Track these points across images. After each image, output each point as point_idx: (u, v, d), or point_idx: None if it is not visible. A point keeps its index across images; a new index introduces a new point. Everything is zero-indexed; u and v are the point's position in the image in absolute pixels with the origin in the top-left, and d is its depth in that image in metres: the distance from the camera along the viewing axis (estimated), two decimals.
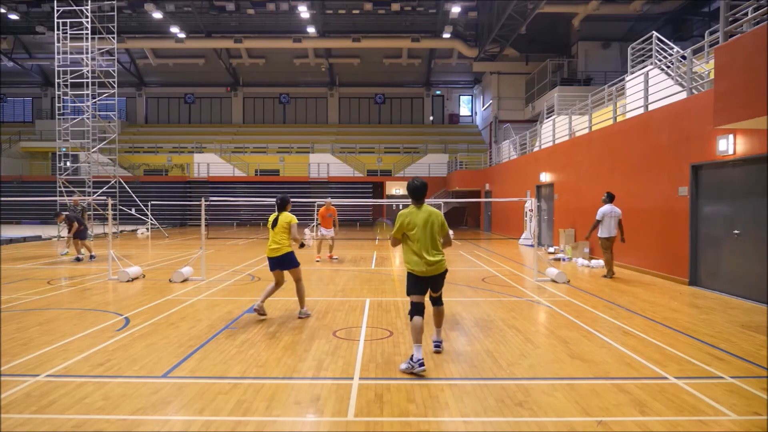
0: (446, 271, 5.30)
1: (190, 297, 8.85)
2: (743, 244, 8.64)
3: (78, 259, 13.95)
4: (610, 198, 11.11)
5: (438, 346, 5.67)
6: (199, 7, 32.70)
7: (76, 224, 14.17)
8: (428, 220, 5.15)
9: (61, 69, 22.43)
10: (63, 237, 16.62)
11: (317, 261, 13.99)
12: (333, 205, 14.44)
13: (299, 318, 7.26)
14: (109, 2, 23.28)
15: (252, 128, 43.65)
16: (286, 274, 7.39)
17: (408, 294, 5.26)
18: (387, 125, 44.21)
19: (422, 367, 4.95)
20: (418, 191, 5.22)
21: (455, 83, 43.86)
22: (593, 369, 5.13)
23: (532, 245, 17.25)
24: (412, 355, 5.05)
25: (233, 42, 34.84)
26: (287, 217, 7.16)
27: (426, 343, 5.83)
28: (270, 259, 7.23)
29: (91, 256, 14.17)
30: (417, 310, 5.17)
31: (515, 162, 23.22)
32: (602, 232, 10.99)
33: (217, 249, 17.58)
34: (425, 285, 5.21)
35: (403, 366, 5.09)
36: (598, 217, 11.06)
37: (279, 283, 7.39)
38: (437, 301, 5.53)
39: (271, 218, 7.24)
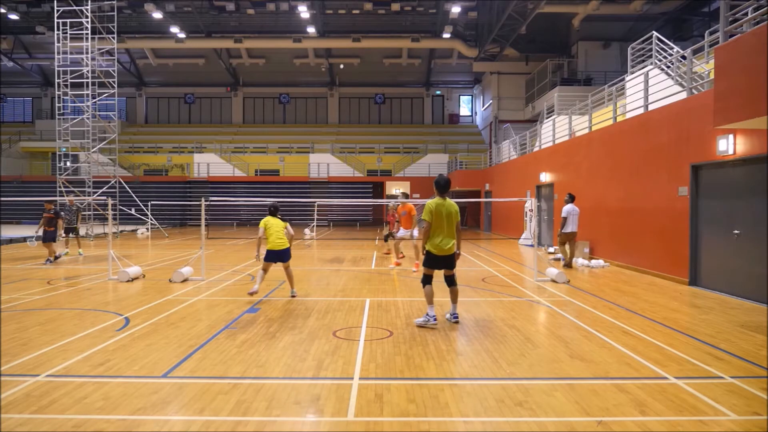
0: (455, 252, 6.72)
1: (190, 297, 8.85)
2: (743, 244, 8.63)
3: (57, 257, 13.62)
4: (572, 198, 12.86)
5: (456, 317, 6.87)
6: (199, 7, 32.71)
7: (60, 222, 13.78)
8: (449, 210, 6.58)
9: (61, 69, 22.43)
10: (62, 237, 16.57)
11: (392, 267, 12.67)
12: (402, 203, 12.77)
13: (291, 296, 8.73)
14: (109, 2, 23.28)
15: (252, 128, 43.65)
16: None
17: (424, 265, 6.74)
18: (387, 125, 44.22)
19: (435, 322, 6.59)
20: (447, 185, 6.67)
21: (455, 83, 43.87)
22: (593, 369, 5.13)
23: (532, 245, 17.24)
24: (427, 313, 6.63)
25: (233, 42, 34.85)
26: (281, 221, 8.66)
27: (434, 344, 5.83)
28: (275, 251, 8.48)
29: (49, 260, 13.58)
30: (428, 280, 6.71)
31: (515, 162, 23.22)
32: (566, 228, 12.67)
33: (217, 249, 17.58)
34: (439, 262, 6.65)
35: (420, 320, 6.69)
36: (563, 215, 12.70)
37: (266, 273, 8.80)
38: (452, 282, 6.82)
39: (267, 219, 8.63)
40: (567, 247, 12.87)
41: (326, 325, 6.89)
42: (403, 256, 13.39)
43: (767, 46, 6.34)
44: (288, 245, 8.62)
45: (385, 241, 16.17)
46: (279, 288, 9.76)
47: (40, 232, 14.12)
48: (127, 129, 42.47)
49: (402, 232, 12.70)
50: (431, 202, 6.59)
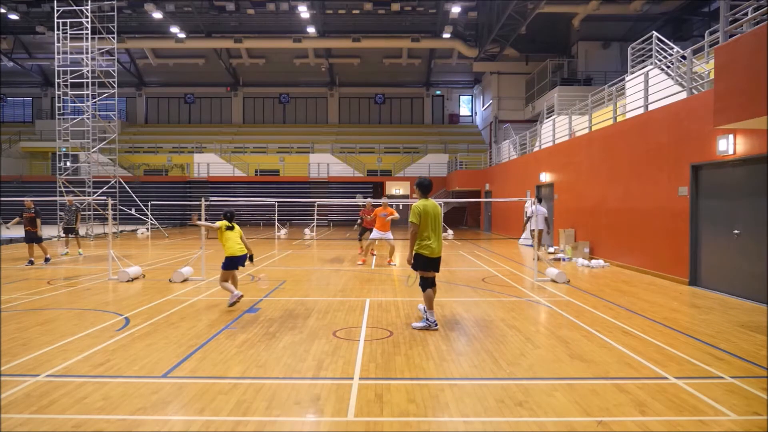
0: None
1: (190, 297, 8.85)
2: (743, 244, 8.64)
3: (31, 263, 13.12)
4: (539, 200, 14.50)
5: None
6: (199, 7, 32.71)
7: (39, 221, 13.37)
8: (434, 209, 6.63)
9: (61, 69, 22.42)
10: (62, 237, 16.58)
11: (360, 264, 13.25)
12: (374, 205, 13.58)
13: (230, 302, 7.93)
14: (109, 2, 23.27)
15: (252, 128, 43.66)
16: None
17: (417, 269, 6.65)
18: (387, 125, 44.23)
19: (437, 327, 6.53)
20: (429, 187, 6.76)
21: (455, 83, 43.88)
22: (593, 369, 5.13)
23: (532, 245, 17.23)
24: (427, 317, 6.54)
25: (233, 42, 34.86)
26: (238, 227, 8.37)
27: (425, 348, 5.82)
28: (235, 258, 8.16)
29: (47, 259, 13.43)
30: (429, 283, 6.60)
31: (515, 162, 23.22)
32: (531, 226, 14.46)
33: (217, 249, 17.54)
34: (432, 264, 6.60)
35: (419, 324, 6.58)
36: (528, 214, 14.49)
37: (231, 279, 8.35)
38: (433, 282, 6.77)
39: (225, 224, 8.20)
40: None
41: (326, 325, 6.89)
42: (364, 263, 13.57)
43: (767, 46, 6.34)
44: (245, 251, 8.27)
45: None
46: (279, 288, 9.76)
47: (15, 232, 13.42)
48: (127, 129, 42.46)
49: (376, 233, 13.14)
50: (418, 204, 6.55)
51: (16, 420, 3.91)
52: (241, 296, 7.98)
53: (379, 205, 13.42)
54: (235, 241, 8.16)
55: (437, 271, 6.71)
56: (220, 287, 8.20)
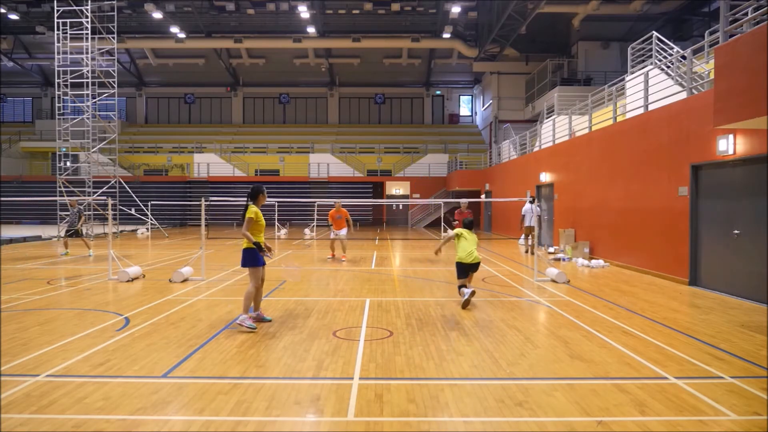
0: (480, 262, 8.42)
1: (190, 297, 8.85)
2: (743, 244, 8.63)
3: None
4: (532, 200, 14.46)
5: (471, 291, 8.06)
6: (199, 7, 32.71)
7: None
8: (471, 237, 8.37)
9: (61, 69, 22.41)
10: (62, 237, 16.56)
11: (329, 259, 14.46)
12: (342, 206, 14.69)
13: (237, 323, 6.56)
14: (109, 2, 23.26)
15: (252, 128, 43.66)
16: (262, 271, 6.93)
17: (458, 277, 8.29)
18: (387, 125, 44.22)
19: (469, 294, 7.90)
20: (470, 225, 8.67)
21: (455, 83, 43.87)
22: (593, 369, 5.13)
23: (532, 245, 17.21)
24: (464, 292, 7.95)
25: (233, 42, 34.87)
26: (247, 211, 6.66)
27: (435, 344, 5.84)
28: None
29: None
30: (463, 287, 8.11)
31: (515, 162, 23.22)
32: (525, 223, 15.98)
33: (217, 249, 17.58)
34: (468, 270, 8.19)
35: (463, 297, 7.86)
36: (522, 213, 16.10)
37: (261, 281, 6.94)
38: (473, 270, 8.43)
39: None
40: (529, 238, 16.03)
41: (326, 325, 6.89)
42: (333, 257, 14.73)
43: (767, 46, 6.34)
44: (243, 246, 6.72)
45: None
46: (279, 288, 9.76)
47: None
48: (127, 129, 42.46)
49: (336, 232, 14.45)
50: (458, 230, 8.47)
51: (16, 420, 3.91)
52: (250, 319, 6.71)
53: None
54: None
55: (474, 271, 8.38)
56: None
